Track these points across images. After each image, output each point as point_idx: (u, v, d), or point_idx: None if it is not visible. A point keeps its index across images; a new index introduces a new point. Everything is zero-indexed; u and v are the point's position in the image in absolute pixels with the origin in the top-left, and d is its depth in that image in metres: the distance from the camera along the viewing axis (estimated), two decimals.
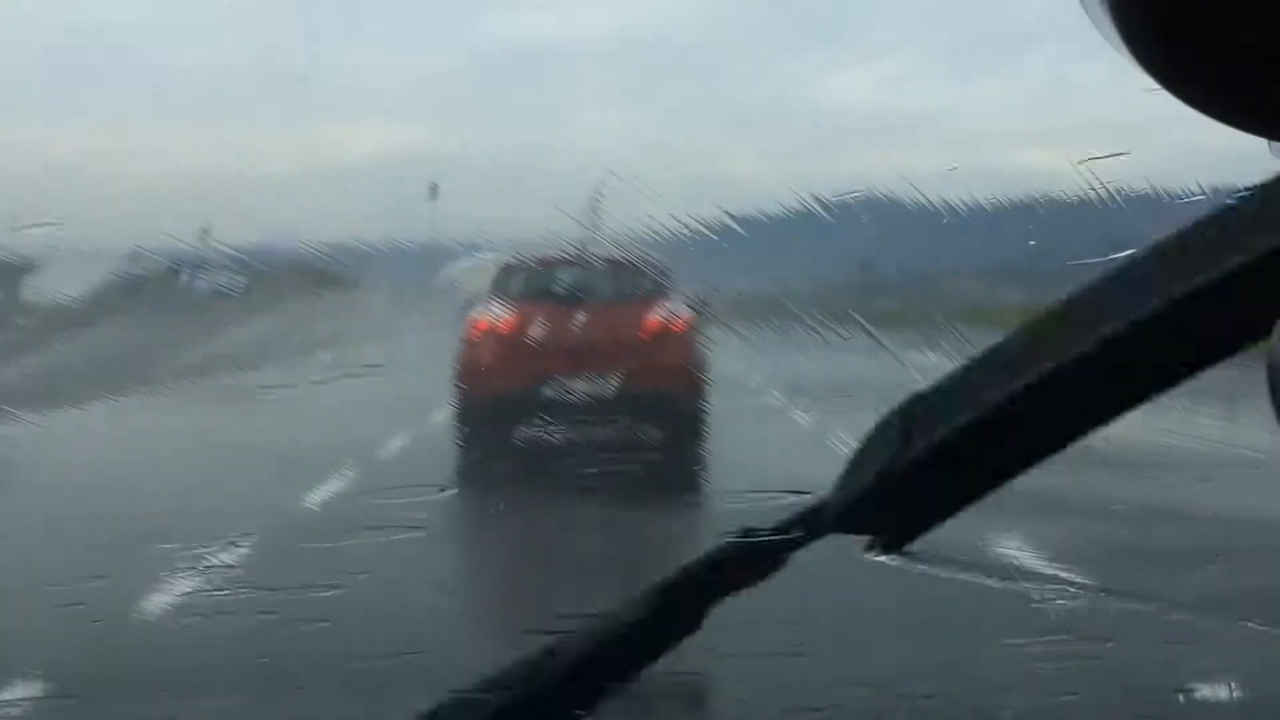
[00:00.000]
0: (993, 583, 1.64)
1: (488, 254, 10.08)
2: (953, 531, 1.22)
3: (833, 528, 1.20)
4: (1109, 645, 3.66)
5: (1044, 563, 5.54)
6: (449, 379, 8.34)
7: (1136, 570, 5.41)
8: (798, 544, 1.29)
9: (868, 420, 1.23)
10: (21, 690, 3.88)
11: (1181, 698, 3.75)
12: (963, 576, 1.49)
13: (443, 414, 8.47)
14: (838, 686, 3.87)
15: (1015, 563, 5.13)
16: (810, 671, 3.92)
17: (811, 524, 1.27)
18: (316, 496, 6.60)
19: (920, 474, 1.11)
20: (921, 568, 1.26)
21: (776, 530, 1.36)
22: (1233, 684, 3.64)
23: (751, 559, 1.36)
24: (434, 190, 14.66)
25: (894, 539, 1.21)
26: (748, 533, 1.33)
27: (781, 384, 13.00)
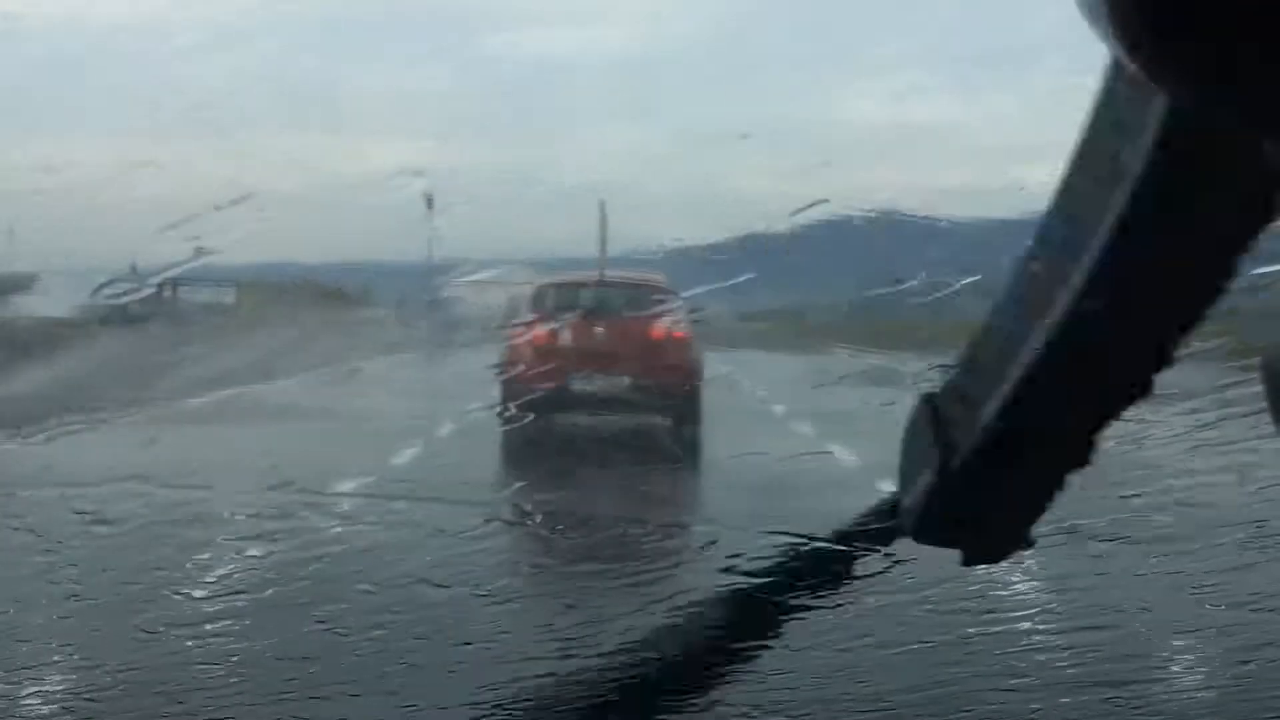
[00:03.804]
0: None
1: (494, 269, 11.08)
2: None
3: (916, 538, 1.08)
4: None
5: None
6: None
7: None
8: (876, 553, 1.31)
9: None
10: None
11: None
12: None
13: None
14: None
15: None
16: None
17: (889, 535, 1.27)
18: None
19: (988, 470, 0.96)
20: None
21: (848, 538, 1.35)
22: None
23: (823, 568, 1.42)
24: (430, 201, 14.62)
25: (990, 547, 1.07)
26: (828, 540, 1.36)
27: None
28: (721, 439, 9.85)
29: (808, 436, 10.09)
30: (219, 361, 12.06)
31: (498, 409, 10.15)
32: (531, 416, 9.95)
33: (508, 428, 10.02)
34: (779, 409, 12.14)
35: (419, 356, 16.00)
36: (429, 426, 10.13)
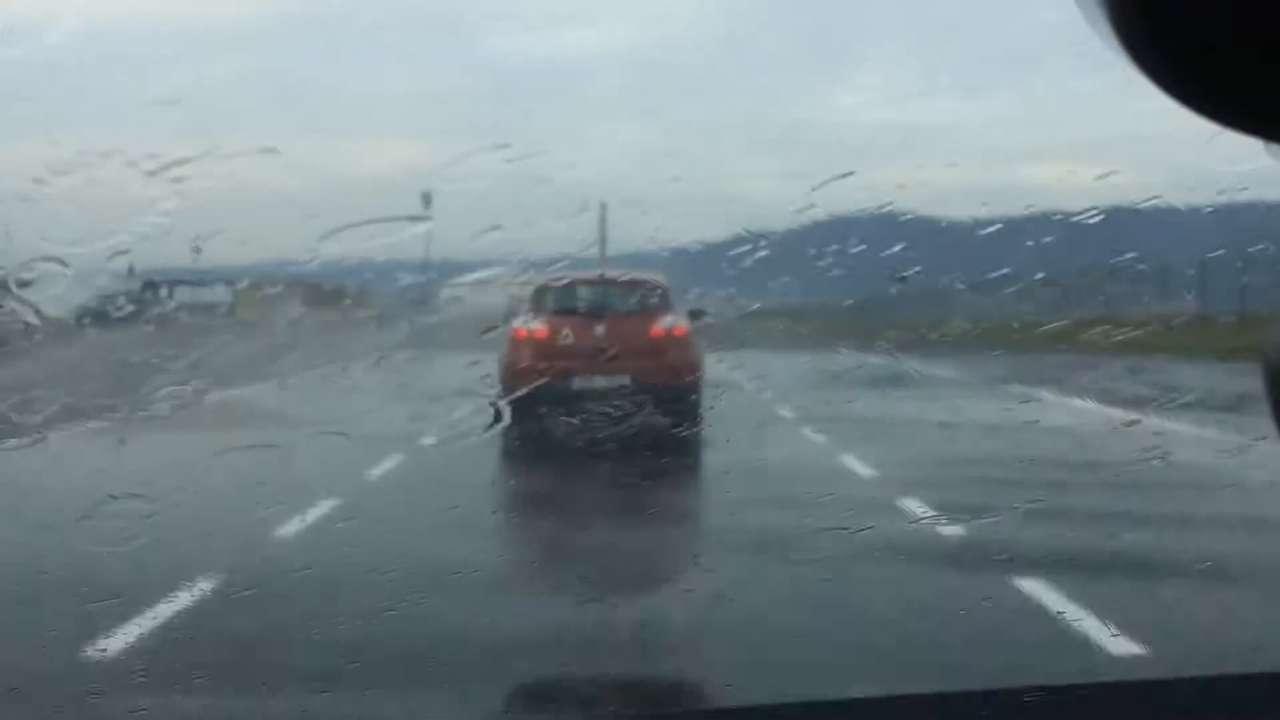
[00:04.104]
0: None
1: (493, 268, 11.08)
2: None
3: None
4: None
5: None
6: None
7: None
8: None
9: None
10: None
11: None
12: None
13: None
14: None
15: None
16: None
17: None
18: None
19: None
20: None
21: None
22: None
23: None
24: (427, 200, 14.52)
25: None
26: None
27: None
28: (730, 446, 9.33)
29: (821, 445, 9.75)
30: (197, 361, 10.62)
31: (495, 408, 10.31)
32: (530, 416, 10.00)
33: (504, 427, 10.09)
34: (787, 412, 11.90)
35: (415, 356, 15.73)
36: (416, 431, 9.84)
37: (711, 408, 10.41)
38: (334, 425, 9.75)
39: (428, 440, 9.66)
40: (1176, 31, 0.57)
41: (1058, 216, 6.11)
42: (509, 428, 9.80)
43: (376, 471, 8.38)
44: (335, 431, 9.13)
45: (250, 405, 11.25)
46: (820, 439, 10.27)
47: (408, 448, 9.16)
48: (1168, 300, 23.06)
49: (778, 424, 11.34)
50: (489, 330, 10.96)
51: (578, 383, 10.28)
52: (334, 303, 18.71)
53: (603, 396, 10.19)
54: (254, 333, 16.39)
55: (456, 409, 10.67)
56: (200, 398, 9.50)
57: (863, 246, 6.49)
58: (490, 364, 10.63)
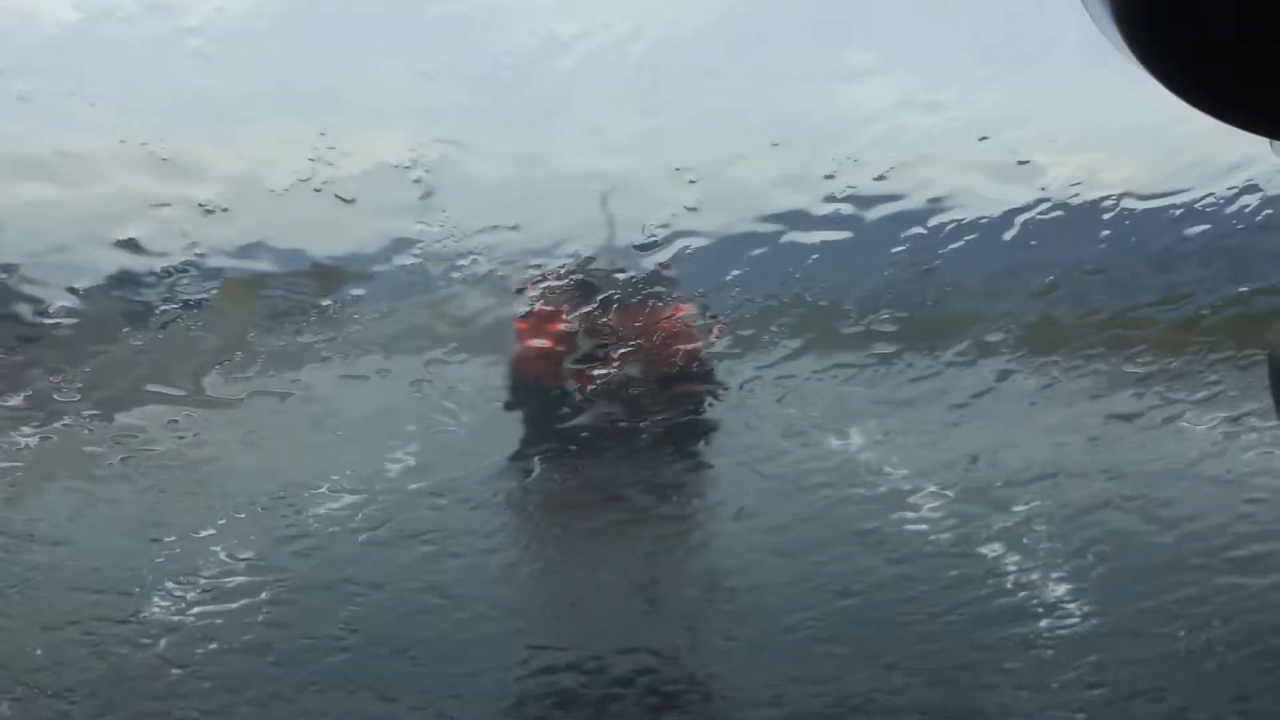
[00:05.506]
0: None
1: (495, 260, 11.22)
2: None
3: None
4: None
5: None
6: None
7: None
8: None
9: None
10: None
11: None
12: None
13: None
14: None
15: None
16: None
17: None
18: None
19: None
20: None
21: None
22: None
23: None
24: (421, 182, 14.49)
25: None
26: None
27: None
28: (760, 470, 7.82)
29: (945, 524, 6.62)
30: (126, 368, 8.23)
31: (495, 404, 10.16)
32: (533, 410, 9.99)
33: (503, 418, 9.95)
34: (804, 418, 11.32)
35: (406, 353, 15.44)
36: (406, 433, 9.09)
37: (720, 414, 9.67)
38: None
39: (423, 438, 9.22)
40: (1181, 32, 0.58)
41: (1066, 210, 6.11)
42: (503, 419, 9.95)
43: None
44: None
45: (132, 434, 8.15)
46: (927, 500, 6.85)
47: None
48: (1208, 293, 22.97)
49: (831, 456, 8.57)
50: (492, 324, 10.93)
51: (583, 374, 10.51)
52: (324, 294, 18.65)
53: (609, 389, 10.37)
54: (237, 329, 16.17)
55: (451, 412, 10.56)
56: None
57: (873, 242, 6.50)
58: (489, 359, 10.60)
